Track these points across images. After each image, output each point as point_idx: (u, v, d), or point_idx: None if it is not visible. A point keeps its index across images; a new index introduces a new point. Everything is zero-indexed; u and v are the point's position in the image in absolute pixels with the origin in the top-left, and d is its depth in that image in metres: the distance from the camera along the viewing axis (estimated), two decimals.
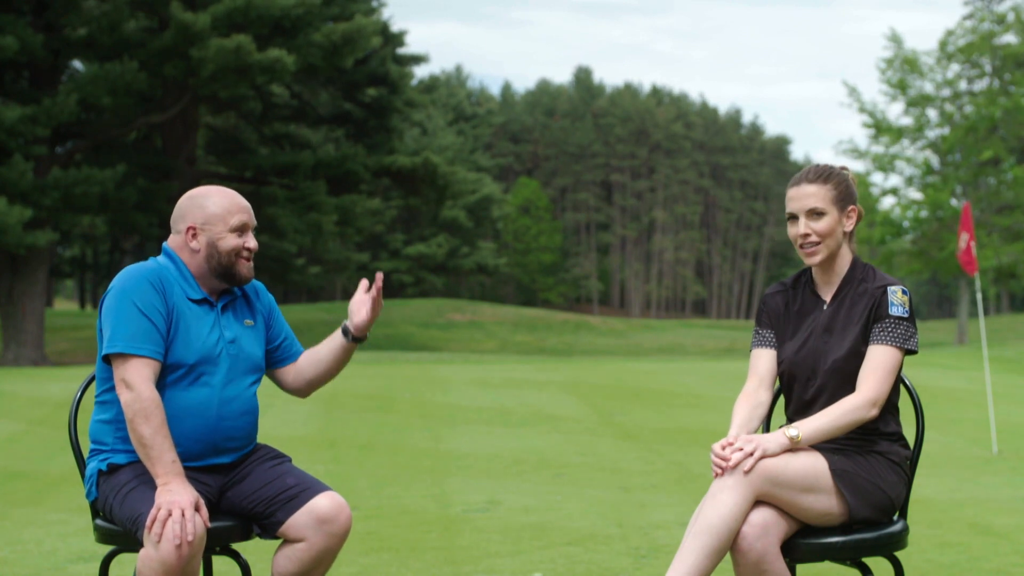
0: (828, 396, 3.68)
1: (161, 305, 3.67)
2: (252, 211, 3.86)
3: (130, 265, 3.76)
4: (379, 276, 3.89)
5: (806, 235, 3.71)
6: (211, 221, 3.76)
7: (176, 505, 3.41)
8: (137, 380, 3.56)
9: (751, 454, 3.45)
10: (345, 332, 3.91)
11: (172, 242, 3.82)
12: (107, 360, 3.65)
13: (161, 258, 3.82)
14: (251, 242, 3.81)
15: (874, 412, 3.59)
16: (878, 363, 3.61)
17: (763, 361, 3.82)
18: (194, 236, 3.77)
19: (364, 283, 3.93)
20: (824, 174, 3.75)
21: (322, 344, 3.98)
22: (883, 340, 3.63)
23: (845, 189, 3.74)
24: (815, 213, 3.71)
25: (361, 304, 3.90)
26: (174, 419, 3.66)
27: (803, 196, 3.72)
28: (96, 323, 3.75)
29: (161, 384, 3.67)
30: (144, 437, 3.52)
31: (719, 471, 3.47)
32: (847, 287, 3.75)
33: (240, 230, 3.79)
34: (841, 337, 3.69)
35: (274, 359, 4.00)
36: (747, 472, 3.43)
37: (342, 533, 3.64)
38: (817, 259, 3.72)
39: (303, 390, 4.03)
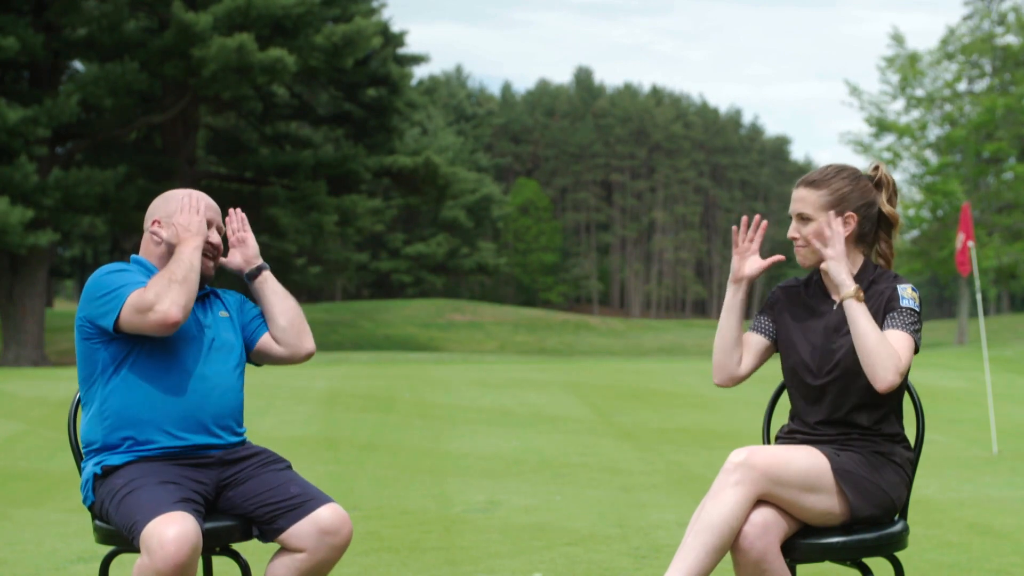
0: (835, 394, 3.68)
1: (135, 268, 3.80)
2: (220, 212, 3.94)
3: None
4: (234, 212, 4.06)
5: (794, 238, 3.76)
6: (174, 214, 3.84)
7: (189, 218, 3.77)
8: (150, 290, 3.62)
9: (829, 250, 3.65)
10: (247, 278, 4.02)
11: (141, 246, 3.92)
12: (120, 326, 3.66)
13: (131, 265, 3.88)
14: (213, 237, 3.87)
15: (896, 376, 3.54)
16: (899, 343, 3.60)
17: (750, 342, 3.86)
18: (159, 228, 3.84)
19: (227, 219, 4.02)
20: (818, 180, 3.75)
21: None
22: (898, 326, 3.63)
23: (841, 196, 3.72)
24: (802, 218, 3.76)
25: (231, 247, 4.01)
26: (157, 402, 3.69)
27: (796, 200, 3.78)
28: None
29: (136, 369, 3.70)
30: (182, 269, 3.67)
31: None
32: None
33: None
34: (849, 337, 3.69)
35: (254, 329, 3.99)
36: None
37: (343, 545, 3.67)
38: (806, 262, 3.78)
39: (291, 347, 3.97)
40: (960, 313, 40.21)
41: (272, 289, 3.98)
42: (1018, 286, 44.42)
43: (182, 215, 3.81)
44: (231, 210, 4.04)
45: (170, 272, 3.66)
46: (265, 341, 3.98)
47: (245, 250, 4.02)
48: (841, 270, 3.63)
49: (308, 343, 3.98)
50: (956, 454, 9.79)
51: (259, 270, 3.99)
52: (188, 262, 3.69)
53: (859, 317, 3.58)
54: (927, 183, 39.44)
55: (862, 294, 3.61)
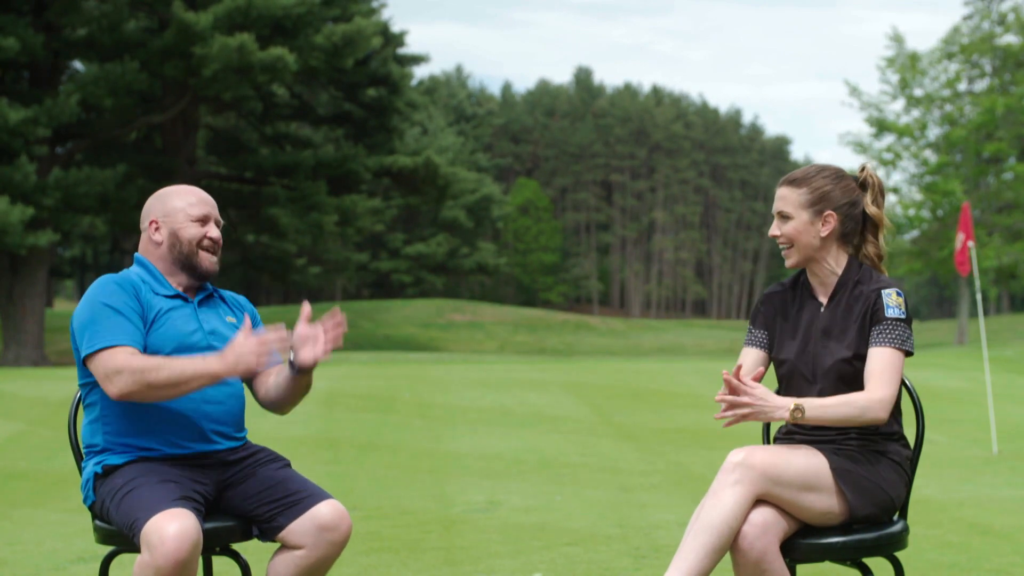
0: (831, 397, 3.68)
1: (133, 302, 3.69)
2: (216, 206, 3.90)
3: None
4: (338, 312, 3.70)
5: (775, 235, 3.76)
6: (172, 213, 3.81)
7: (251, 347, 3.53)
8: (122, 360, 3.54)
9: (749, 412, 3.47)
10: (291, 365, 3.76)
11: (140, 246, 3.87)
12: (87, 363, 3.64)
13: (133, 266, 3.86)
14: (213, 232, 3.83)
15: (884, 414, 3.56)
16: (883, 365, 3.59)
17: (749, 359, 3.83)
18: (156, 229, 3.81)
19: (307, 311, 3.69)
20: (799, 178, 3.75)
21: (279, 371, 3.87)
22: (883, 342, 3.62)
23: (821, 194, 3.71)
24: (782, 216, 3.75)
25: (309, 339, 3.70)
26: (158, 411, 3.67)
27: (777, 198, 3.77)
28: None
29: None
30: (169, 378, 3.51)
31: (724, 407, 3.49)
32: (842, 289, 3.75)
33: (202, 220, 3.82)
34: (839, 340, 3.69)
35: None
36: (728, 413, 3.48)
37: (342, 542, 3.66)
38: (789, 261, 3.77)
39: (274, 407, 3.90)
40: (960, 313, 40.20)
41: (303, 385, 3.80)
42: (1018, 286, 44.42)
43: (247, 341, 3.55)
44: (332, 311, 3.70)
45: (156, 373, 3.52)
46: (257, 384, 3.90)
47: (321, 355, 3.70)
48: (772, 414, 3.51)
49: (286, 414, 3.94)
50: (956, 454, 9.79)
51: (311, 370, 3.78)
52: (183, 389, 3.55)
53: (820, 417, 3.53)
54: (927, 183, 39.44)
55: (799, 410, 3.50)
